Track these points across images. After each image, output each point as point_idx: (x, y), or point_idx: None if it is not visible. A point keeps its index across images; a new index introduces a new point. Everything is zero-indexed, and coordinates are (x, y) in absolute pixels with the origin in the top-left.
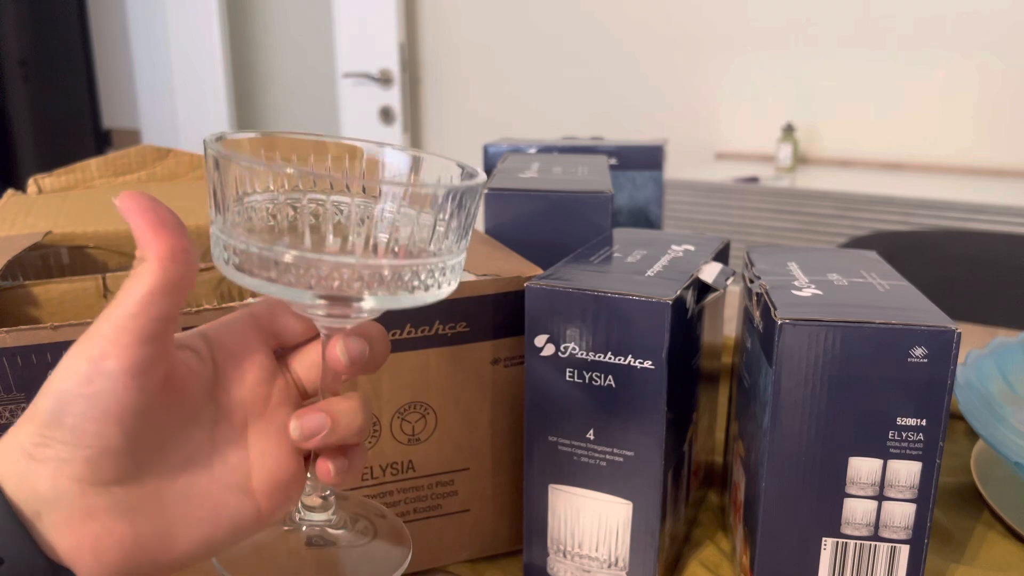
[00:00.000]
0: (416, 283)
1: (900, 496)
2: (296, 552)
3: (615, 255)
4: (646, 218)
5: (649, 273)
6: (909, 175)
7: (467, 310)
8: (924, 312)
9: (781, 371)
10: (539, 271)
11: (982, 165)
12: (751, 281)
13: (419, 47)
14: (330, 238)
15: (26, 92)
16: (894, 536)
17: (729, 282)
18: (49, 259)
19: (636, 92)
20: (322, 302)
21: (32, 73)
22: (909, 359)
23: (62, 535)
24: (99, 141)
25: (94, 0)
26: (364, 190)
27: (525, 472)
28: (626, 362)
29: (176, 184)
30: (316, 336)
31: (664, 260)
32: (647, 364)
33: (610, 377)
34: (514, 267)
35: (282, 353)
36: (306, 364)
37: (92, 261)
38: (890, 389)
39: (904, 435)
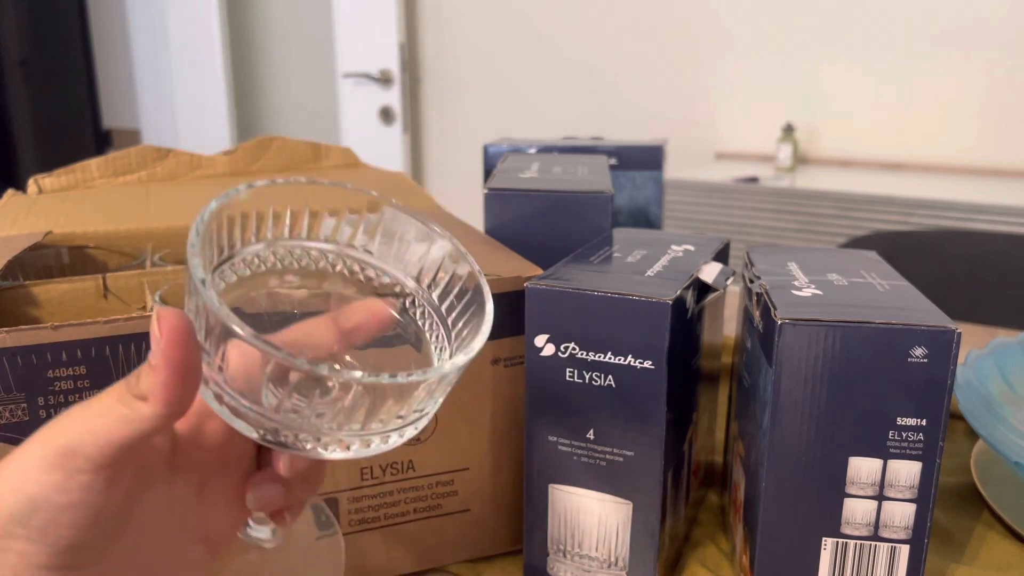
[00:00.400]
0: (380, 439)
1: (900, 496)
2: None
3: (615, 255)
4: (646, 218)
5: (649, 273)
6: (909, 175)
7: None
8: (924, 312)
9: (781, 371)
10: (539, 271)
11: (982, 165)
12: (751, 281)
13: (419, 47)
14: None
15: (26, 92)
16: (894, 536)
17: (729, 282)
18: (49, 259)
19: (636, 92)
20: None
21: (32, 73)
22: (909, 359)
23: None
24: (99, 141)
25: (94, 0)
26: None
27: (525, 472)
28: (626, 362)
29: (176, 184)
30: None
31: (664, 260)
32: (647, 364)
33: (610, 377)
34: (514, 267)
35: None
36: None
37: (92, 261)
38: (890, 389)
39: (904, 435)
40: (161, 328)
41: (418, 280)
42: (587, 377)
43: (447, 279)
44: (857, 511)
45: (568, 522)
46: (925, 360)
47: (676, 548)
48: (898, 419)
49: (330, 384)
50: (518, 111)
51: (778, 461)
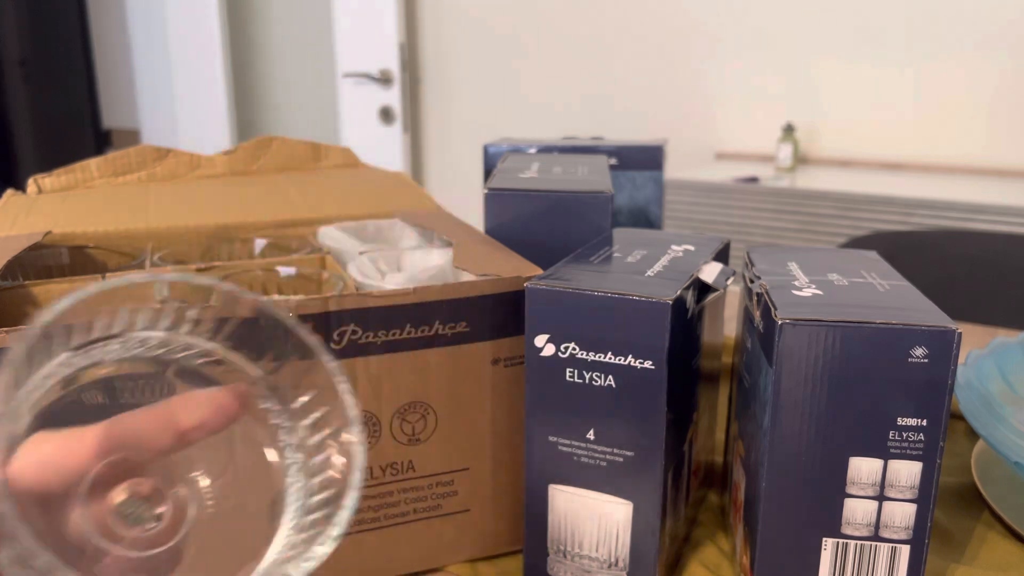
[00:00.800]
0: None
1: (900, 496)
2: None
3: (615, 255)
4: (646, 218)
5: (649, 273)
6: (909, 175)
7: (467, 310)
8: (924, 312)
9: (781, 371)
10: (539, 271)
11: (982, 165)
12: (751, 281)
13: (419, 47)
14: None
15: (26, 92)
16: (894, 536)
17: (729, 282)
18: (49, 259)
19: (636, 92)
20: None
21: (32, 73)
22: (909, 359)
23: None
24: (99, 141)
25: (94, 0)
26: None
27: (525, 472)
28: (626, 362)
29: (176, 184)
30: None
31: (664, 260)
32: (647, 364)
33: (610, 377)
34: (514, 267)
35: None
36: None
37: (92, 261)
38: (890, 389)
39: (904, 435)
40: None
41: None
42: (587, 377)
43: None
44: (857, 511)
45: (568, 522)
46: (925, 360)
47: (676, 548)
48: (898, 419)
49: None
50: (518, 111)
51: (778, 461)
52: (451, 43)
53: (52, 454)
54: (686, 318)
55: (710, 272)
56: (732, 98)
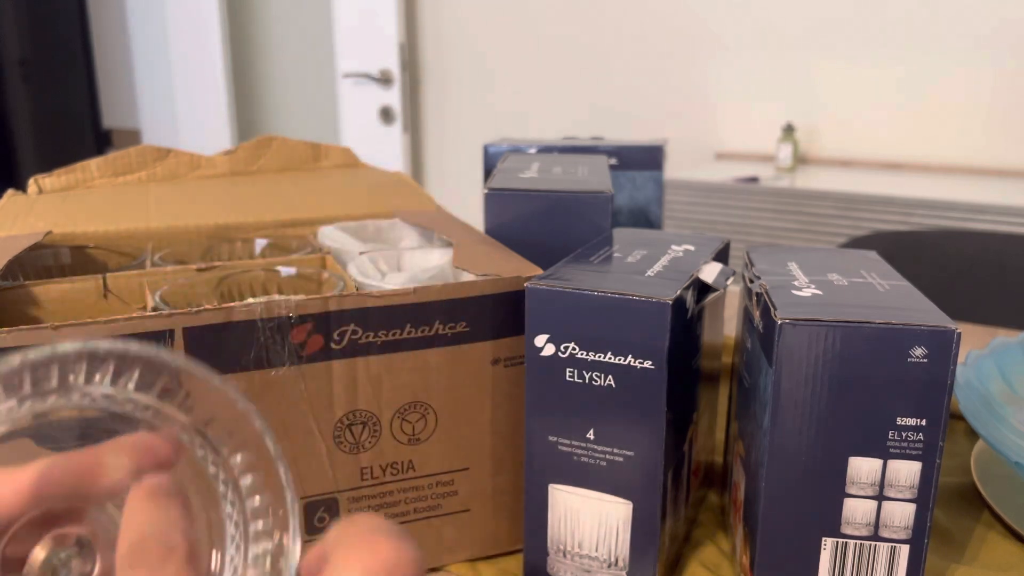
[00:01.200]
0: None
1: (900, 496)
2: None
3: (615, 255)
4: (646, 218)
5: (649, 273)
6: (909, 175)
7: (467, 310)
8: (924, 312)
9: (781, 371)
10: (539, 271)
11: (982, 165)
12: (751, 281)
13: (419, 47)
14: None
15: (26, 92)
16: (894, 536)
17: (729, 282)
18: (49, 259)
19: (636, 92)
20: None
21: (32, 73)
22: (909, 359)
23: None
24: (99, 141)
25: (94, 0)
26: None
27: (525, 472)
28: (626, 362)
29: (176, 184)
30: None
31: (664, 260)
32: (647, 364)
33: (610, 377)
34: (514, 267)
35: None
36: None
37: (92, 261)
38: (890, 389)
39: (904, 435)
40: None
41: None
42: (587, 377)
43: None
44: (857, 511)
45: (568, 522)
46: (925, 360)
47: (676, 548)
48: (898, 419)
49: None
50: (518, 111)
51: (778, 461)
52: (451, 43)
53: None
54: (686, 318)
55: (710, 272)
56: (732, 98)
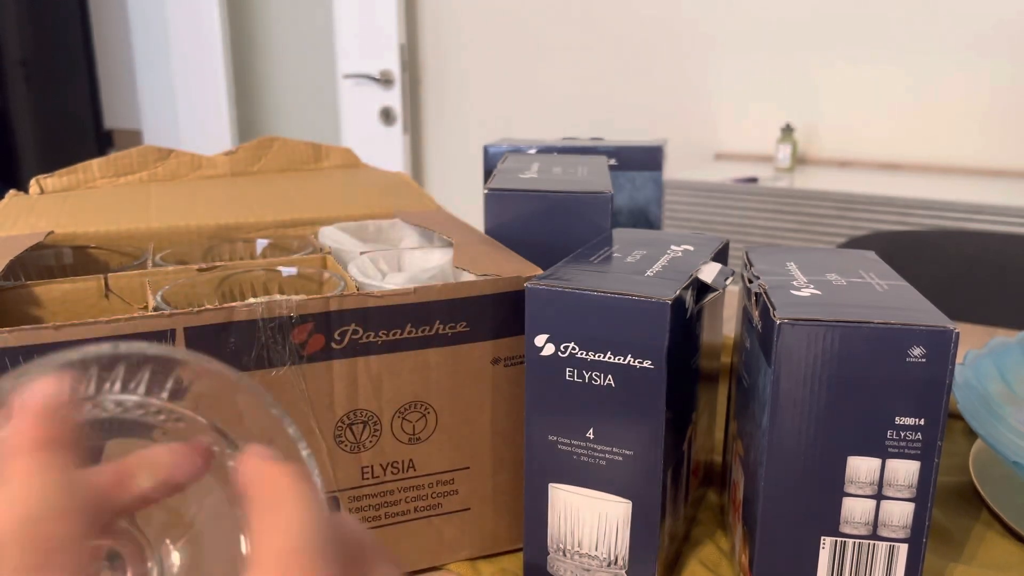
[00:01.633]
0: None
1: (899, 495)
2: None
3: (615, 255)
4: (646, 218)
5: (649, 273)
6: (907, 175)
7: (467, 310)
8: (922, 312)
9: (780, 371)
10: (539, 271)
11: (981, 165)
12: (750, 281)
13: (419, 48)
14: None
15: (27, 93)
16: (893, 535)
17: (728, 282)
18: (51, 259)
19: (635, 92)
20: None
21: (33, 74)
22: (908, 359)
23: None
24: (100, 142)
25: (95, 1)
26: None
27: (525, 471)
28: (626, 362)
29: (177, 184)
30: None
31: (663, 260)
32: (647, 364)
33: (610, 377)
34: (514, 267)
35: None
36: None
37: (94, 261)
38: (889, 389)
39: (903, 434)
40: None
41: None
42: (587, 377)
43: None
44: (856, 510)
45: (568, 521)
46: (923, 360)
47: (675, 547)
48: (897, 418)
49: None
50: (518, 111)
51: (777, 460)
52: (451, 44)
53: None
54: (685, 318)
55: (709, 272)
56: (731, 99)
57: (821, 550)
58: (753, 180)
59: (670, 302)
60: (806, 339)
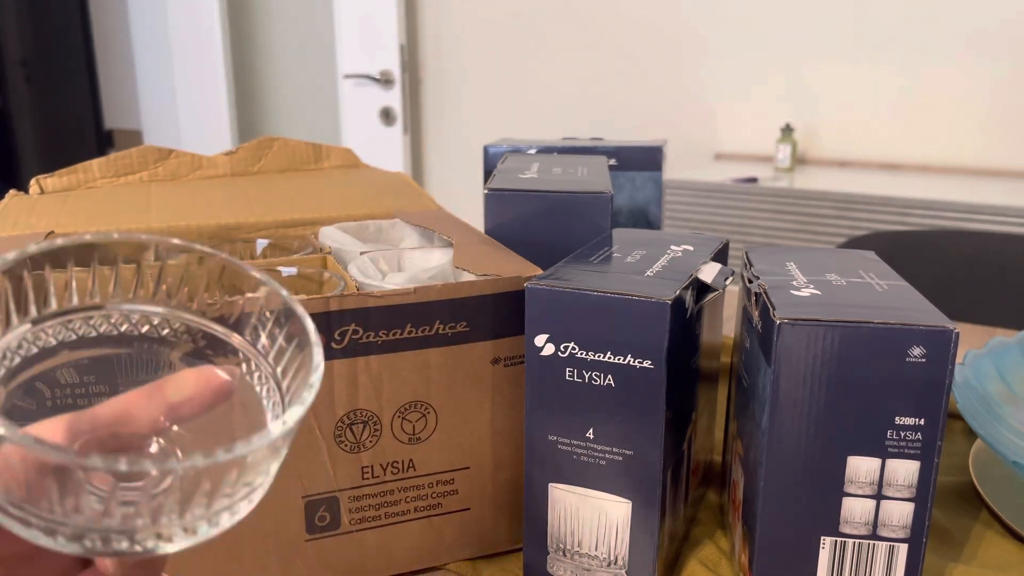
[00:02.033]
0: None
1: (898, 495)
2: None
3: (615, 255)
4: (646, 218)
5: (648, 273)
6: (907, 175)
7: (467, 310)
8: (922, 312)
9: (780, 371)
10: (539, 271)
11: (979, 165)
12: (750, 281)
13: (419, 48)
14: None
15: (28, 93)
16: (892, 535)
17: (728, 282)
18: None
19: (635, 93)
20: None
21: (34, 74)
22: (907, 359)
23: None
24: (101, 142)
25: (95, 1)
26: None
27: (525, 471)
28: (626, 362)
29: (177, 184)
30: None
31: (663, 260)
32: (647, 364)
33: (610, 377)
34: (514, 267)
35: None
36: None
37: None
38: (888, 389)
39: (902, 434)
40: None
41: (247, 333)
42: (587, 377)
43: (270, 326)
44: (856, 510)
45: (568, 521)
46: (923, 360)
47: (675, 547)
48: (896, 418)
49: (149, 471)
50: (518, 111)
51: (777, 460)
52: (451, 44)
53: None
54: (685, 318)
55: (709, 272)
56: (731, 99)
57: (821, 550)
58: (753, 180)
59: (670, 302)
60: (806, 339)
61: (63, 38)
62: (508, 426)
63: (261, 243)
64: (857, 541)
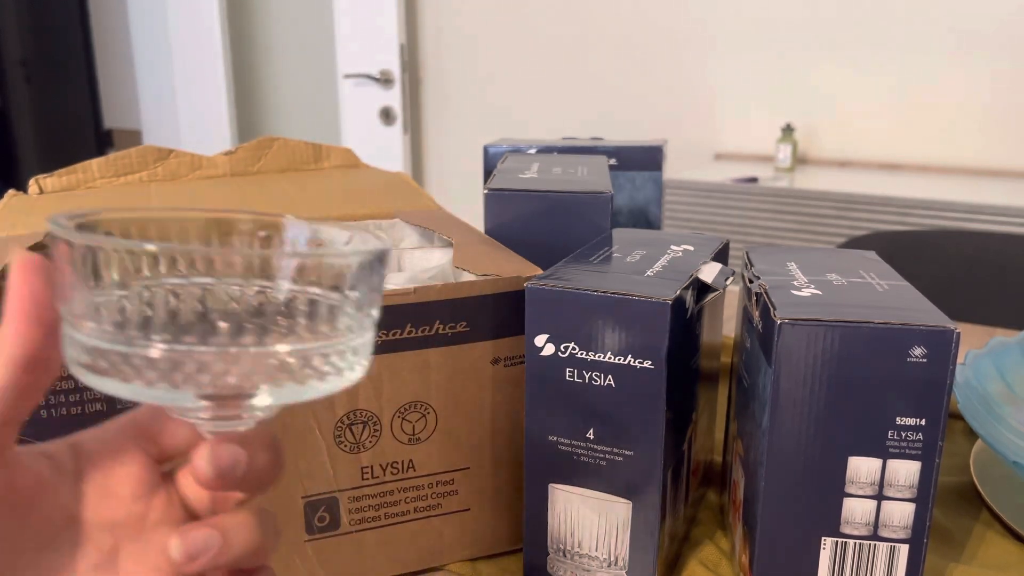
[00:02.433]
0: (324, 368)
1: (899, 496)
2: None
3: (615, 255)
4: (646, 218)
5: (649, 273)
6: (907, 175)
7: (467, 310)
8: (923, 312)
9: (780, 371)
10: (539, 271)
11: (980, 165)
12: (750, 281)
13: (419, 47)
14: (221, 325)
15: (27, 92)
16: (893, 536)
17: (728, 282)
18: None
19: (635, 92)
20: (205, 403)
21: (33, 73)
22: (908, 359)
23: None
24: (100, 142)
25: (95, 1)
26: (258, 268)
27: (525, 471)
28: (626, 362)
29: (177, 184)
30: None
31: (663, 260)
32: (647, 364)
33: (610, 377)
34: (514, 267)
35: (171, 466)
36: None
37: None
38: (889, 389)
39: (903, 435)
40: (15, 268)
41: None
42: (587, 377)
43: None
44: (856, 511)
45: (568, 521)
46: (924, 360)
47: (675, 547)
48: (897, 419)
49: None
50: (518, 111)
51: (777, 460)
52: (451, 43)
53: None
54: (685, 318)
55: (709, 272)
56: (731, 99)
57: (822, 550)
58: (753, 180)
59: (670, 302)
60: (806, 339)
61: (63, 38)
62: (508, 426)
63: None
64: (858, 542)
